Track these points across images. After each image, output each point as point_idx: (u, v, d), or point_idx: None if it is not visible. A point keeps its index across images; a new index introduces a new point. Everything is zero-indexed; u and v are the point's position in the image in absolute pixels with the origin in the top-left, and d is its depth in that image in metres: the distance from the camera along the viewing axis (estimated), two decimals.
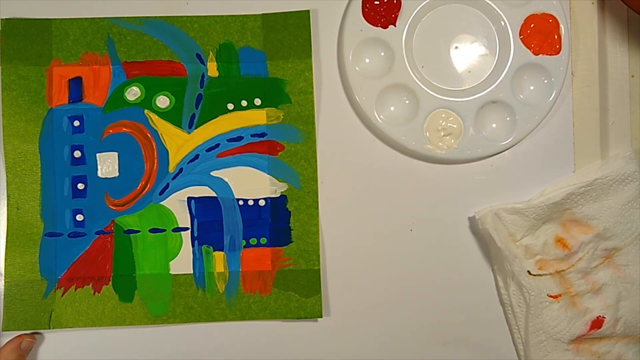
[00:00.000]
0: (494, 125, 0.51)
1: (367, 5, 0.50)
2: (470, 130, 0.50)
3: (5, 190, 0.50)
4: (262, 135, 0.51)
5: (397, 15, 0.50)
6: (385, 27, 0.50)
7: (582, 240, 0.51)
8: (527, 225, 0.50)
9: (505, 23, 0.51)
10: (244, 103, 0.51)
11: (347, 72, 0.50)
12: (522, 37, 0.50)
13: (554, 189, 0.51)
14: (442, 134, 0.50)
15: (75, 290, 0.50)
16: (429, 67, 0.51)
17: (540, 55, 0.50)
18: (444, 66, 0.51)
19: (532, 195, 0.51)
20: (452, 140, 0.50)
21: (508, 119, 0.51)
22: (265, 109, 0.51)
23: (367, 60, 0.51)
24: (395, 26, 0.50)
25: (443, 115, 0.50)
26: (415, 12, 0.50)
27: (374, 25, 0.50)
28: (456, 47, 0.51)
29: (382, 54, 0.51)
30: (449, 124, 0.50)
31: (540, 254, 0.51)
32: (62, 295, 0.49)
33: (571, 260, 0.51)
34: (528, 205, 0.50)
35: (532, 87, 0.51)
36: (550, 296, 0.50)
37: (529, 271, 0.50)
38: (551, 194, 0.50)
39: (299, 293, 0.50)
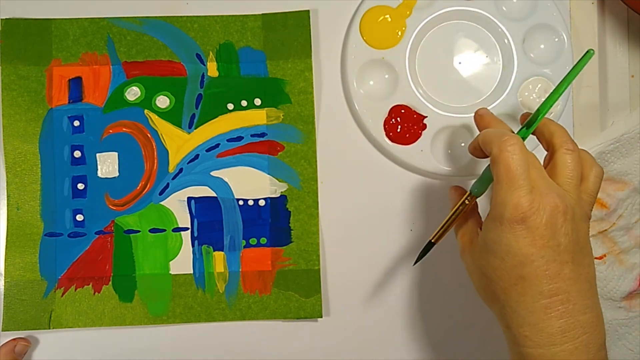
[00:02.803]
0: None
1: None
2: None
3: (5, 190, 0.50)
4: (262, 135, 0.51)
5: None
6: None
7: (620, 197, 0.50)
8: None
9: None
10: (244, 103, 0.51)
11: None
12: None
13: None
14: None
15: (75, 290, 0.49)
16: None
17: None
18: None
19: None
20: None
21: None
22: (265, 109, 0.51)
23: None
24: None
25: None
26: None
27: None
28: (460, 63, 0.51)
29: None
30: None
31: None
32: (62, 295, 0.49)
33: (611, 219, 0.51)
34: None
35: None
36: (596, 258, 0.50)
37: None
38: None
39: (299, 293, 0.50)
